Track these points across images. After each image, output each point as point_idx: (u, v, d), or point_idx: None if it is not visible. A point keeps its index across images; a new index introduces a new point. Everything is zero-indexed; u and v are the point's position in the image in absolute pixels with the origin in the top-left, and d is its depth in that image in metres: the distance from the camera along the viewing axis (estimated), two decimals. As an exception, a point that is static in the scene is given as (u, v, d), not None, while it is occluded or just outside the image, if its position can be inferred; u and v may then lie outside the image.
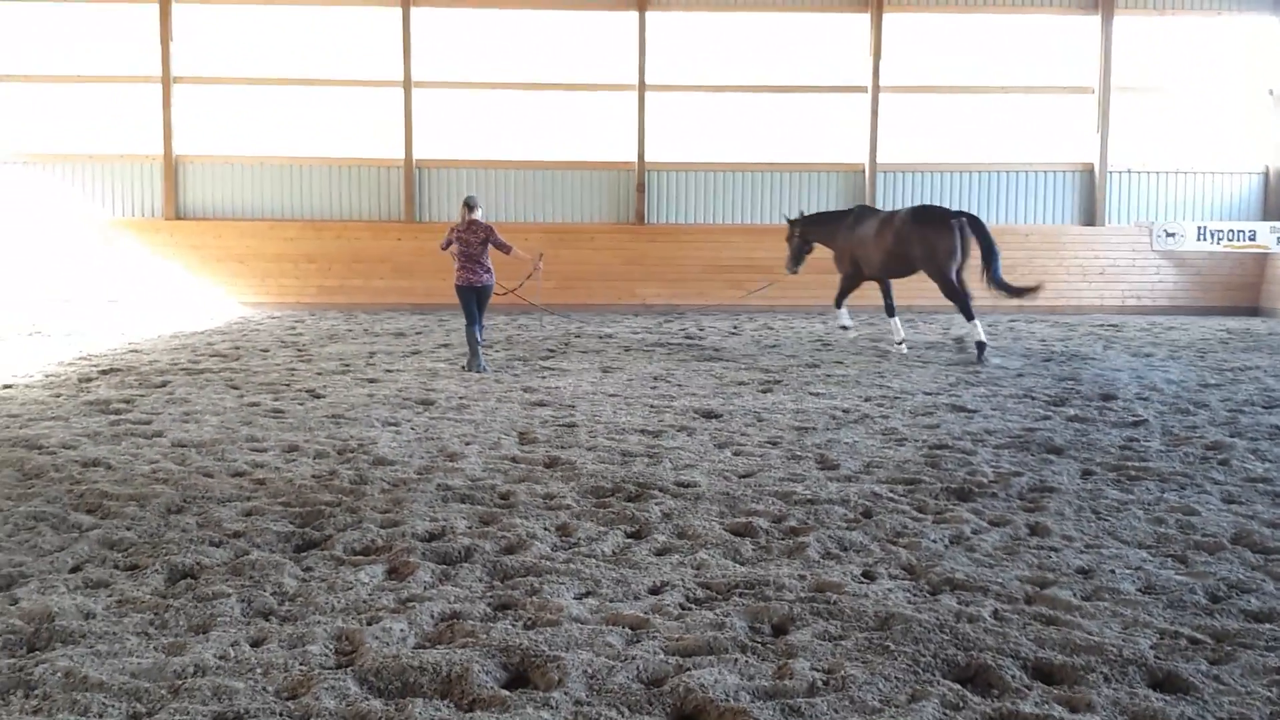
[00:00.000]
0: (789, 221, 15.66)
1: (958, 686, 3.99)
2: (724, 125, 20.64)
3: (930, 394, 10.47)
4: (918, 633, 4.40)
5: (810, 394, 10.46)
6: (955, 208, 20.61)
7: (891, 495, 6.62)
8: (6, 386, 10.52)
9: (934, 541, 5.75)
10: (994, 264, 12.85)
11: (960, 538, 5.83)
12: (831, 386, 10.94)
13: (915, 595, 4.95)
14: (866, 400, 10.11)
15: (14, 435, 8.09)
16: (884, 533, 5.89)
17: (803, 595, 4.86)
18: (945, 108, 20.65)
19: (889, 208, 20.46)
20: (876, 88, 20.18)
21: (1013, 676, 4.07)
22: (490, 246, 11.83)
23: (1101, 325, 17.54)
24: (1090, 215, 20.54)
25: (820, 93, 20.50)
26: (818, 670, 4.09)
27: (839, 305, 14.86)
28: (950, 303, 13.47)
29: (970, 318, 13.02)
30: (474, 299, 11.83)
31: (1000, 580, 5.11)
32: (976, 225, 13.08)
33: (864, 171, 20.39)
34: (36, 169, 19.81)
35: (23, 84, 19.82)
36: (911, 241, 13.27)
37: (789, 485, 6.83)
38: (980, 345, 12.99)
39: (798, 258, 15.57)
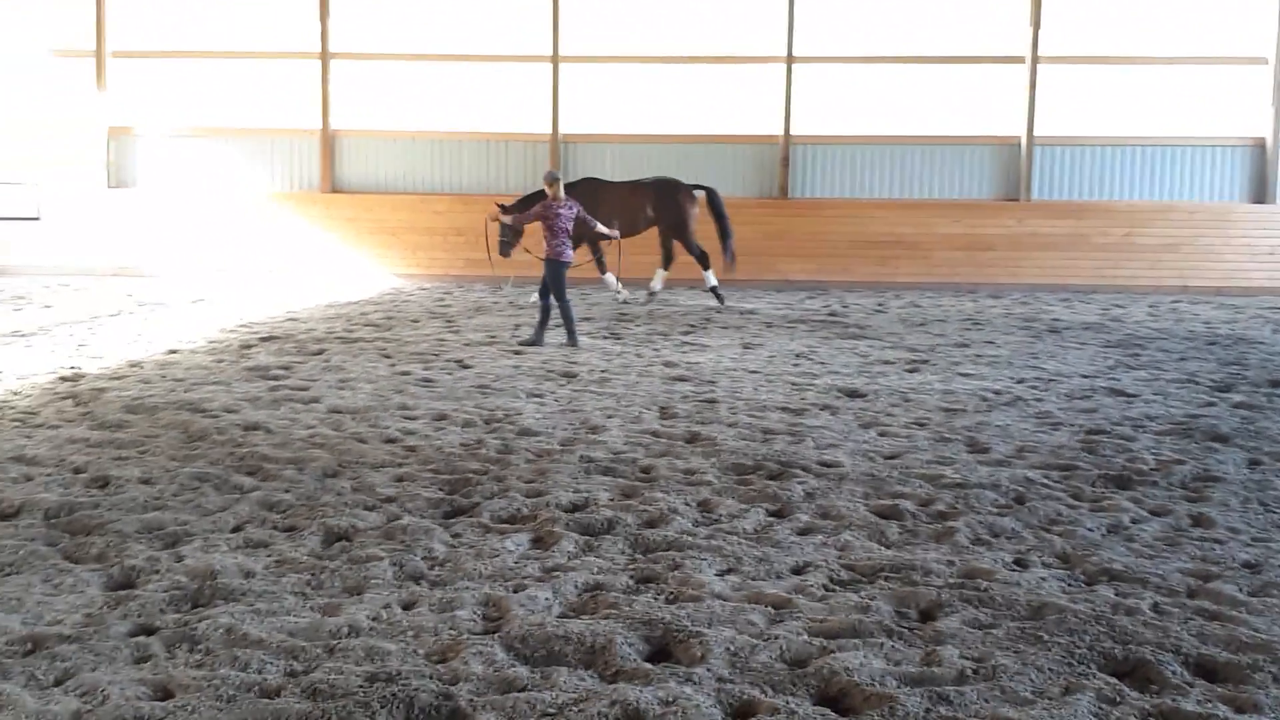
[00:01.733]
0: (501, 207, 15.07)
1: (1114, 680, 3.84)
2: (872, 97, 20.22)
3: (1087, 377, 10.10)
4: (1072, 624, 4.25)
5: (959, 374, 10.20)
6: (1116, 183, 19.89)
7: (1045, 481, 6.41)
8: (172, 351, 11.03)
9: (1090, 530, 5.54)
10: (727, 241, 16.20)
11: (1118, 527, 5.61)
12: (982, 367, 10.65)
13: (1070, 585, 4.79)
14: (1019, 382, 9.81)
15: (179, 399, 8.47)
16: (1037, 520, 5.71)
17: (951, 581, 4.75)
18: (1107, 79, 19.82)
19: (1040, 182, 19.85)
20: (1035, 58, 19.50)
21: (1173, 673, 3.90)
22: (573, 224, 11.60)
23: (1271, 308, 16.64)
24: (1260, 192, 19.49)
25: (973, 64, 19.90)
26: (967, 658, 3.99)
27: (604, 271, 16.50)
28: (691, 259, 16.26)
29: (707, 267, 16.09)
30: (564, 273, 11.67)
31: (1160, 572, 4.90)
32: (715, 199, 16.18)
33: (1020, 145, 19.75)
34: (201, 142, 20.65)
35: (188, 59, 20.65)
36: (662, 207, 16.11)
37: (937, 468, 6.67)
38: (716, 290, 16.04)
39: (511, 243, 15.99)
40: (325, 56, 20.26)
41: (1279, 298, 18.30)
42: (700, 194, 16.43)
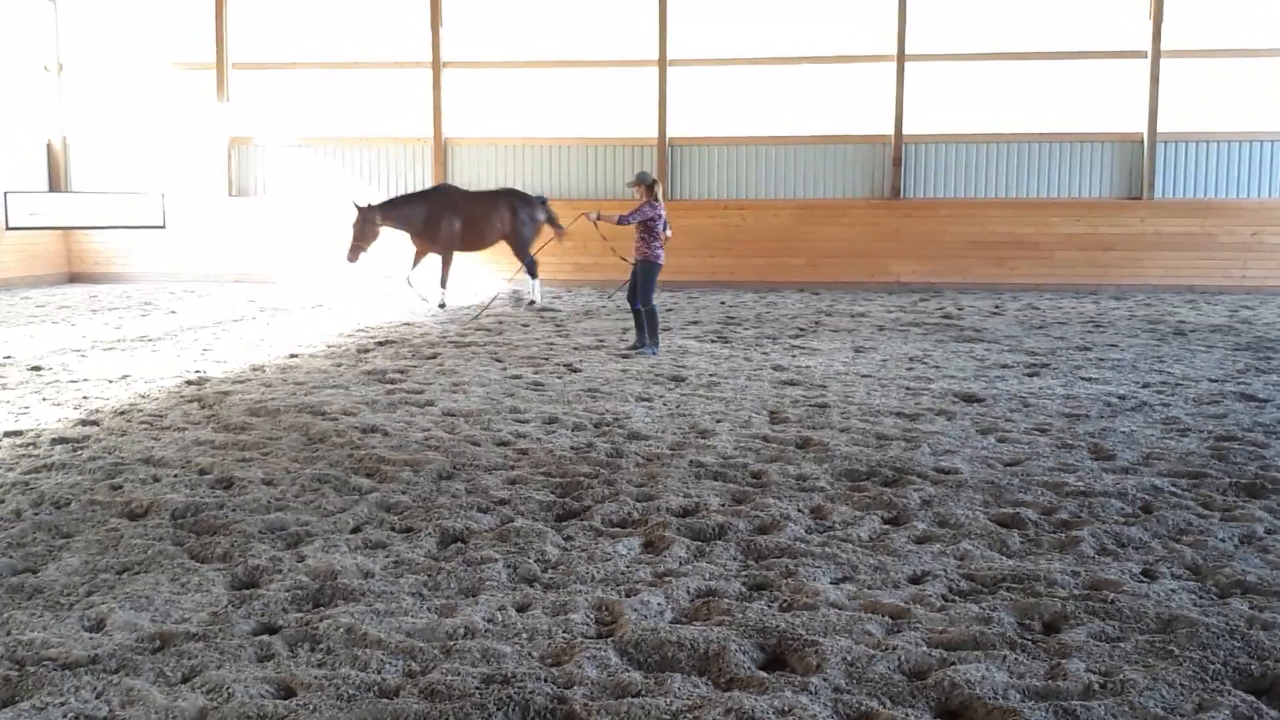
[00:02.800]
0: (359, 207, 15.37)
1: (1251, 698, 3.66)
2: (987, 95, 19.82)
3: (1215, 381, 9.71)
4: (1205, 638, 4.07)
5: (1081, 379, 9.90)
6: (1242, 181, 19.16)
7: (1174, 489, 6.17)
8: (292, 356, 11.32)
9: (1222, 541, 5.31)
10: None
11: (1252, 537, 5.36)
12: (1105, 371, 10.32)
13: (1201, 597, 4.59)
14: (1144, 387, 9.48)
15: (300, 402, 8.68)
16: (1166, 529, 5.49)
17: (1076, 592, 4.59)
18: (1232, 73, 19.09)
19: (1163, 180, 19.20)
20: (1157, 52, 18.88)
21: (1317, 693, 3.71)
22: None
23: None
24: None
25: (1093, 59, 19.36)
26: (1094, 672, 3.84)
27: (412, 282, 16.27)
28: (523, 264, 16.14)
29: (535, 276, 16.54)
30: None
31: (1299, 586, 4.67)
32: (547, 209, 16.66)
33: (1142, 141, 19.15)
34: (318, 151, 21.20)
35: (305, 70, 21.21)
36: (510, 217, 16.30)
37: (1060, 475, 6.47)
38: (533, 302, 16.27)
39: (363, 246, 15.76)
40: (437, 65, 20.63)
41: None
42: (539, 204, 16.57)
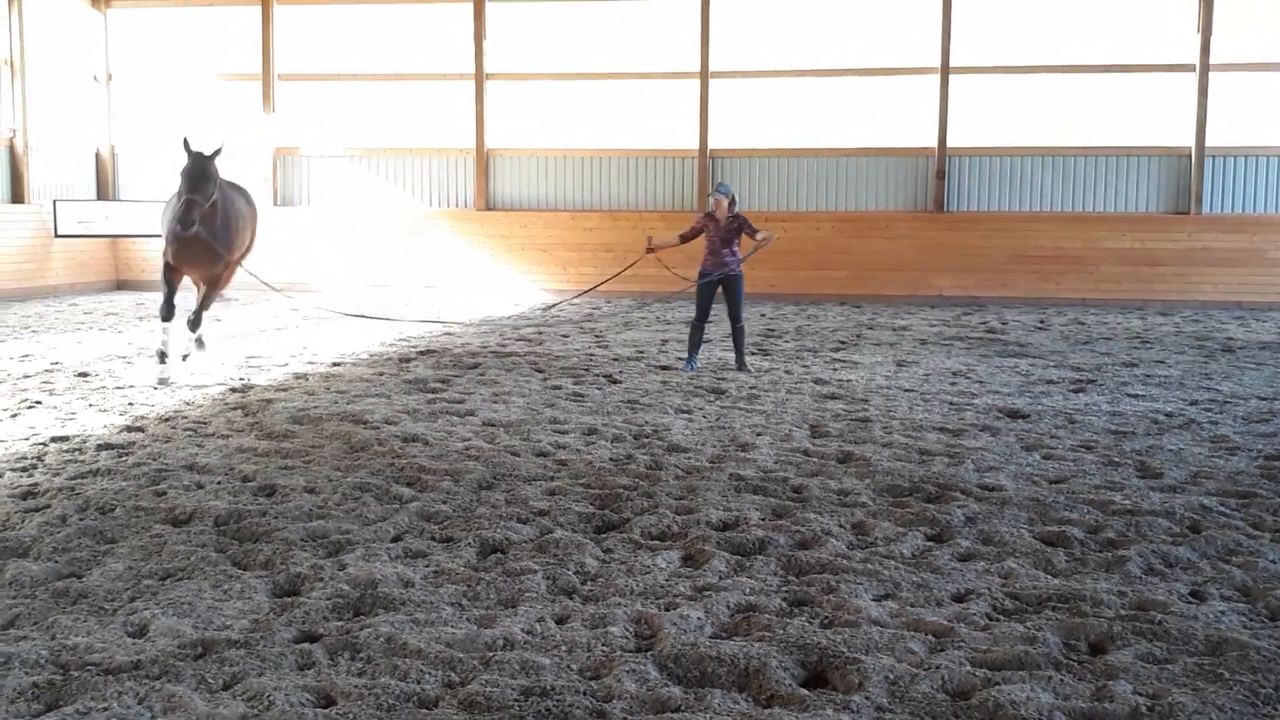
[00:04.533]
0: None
1: (1305, 725, 3.59)
2: (1032, 108, 19.65)
3: (1265, 399, 9.55)
4: (1255, 661, 3.99)
5: (1128, 395, 9.77)
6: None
7: (1223, 509, 6.06)
8: (335, 365, 11.39)
9: (1273, 562, 5.21)
10: None
11: (1304, 559, 5.26)
12: (1152, 388, 10.18)
13: (1252, 620, 4.49)
14: (1192, 404, 9.34)
15: (342, 410, 8.73)
16: (1215, 550, 5.39)
17: (1123, 613, 4.51)
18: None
19: (1211, 195, 18.94)
20: (1205, 65, 18.65)
21: (1373, 720, 3.62)
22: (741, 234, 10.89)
23: None
24: None
25: (1140, 72, 19.15)
26: (1141, 694, 3.78)
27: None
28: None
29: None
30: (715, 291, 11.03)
31: (1352, 610, 4.57)
32: None
33: (1189, 155, 18.91)
34: (362, 161, 21.38)
35: (350, 82, 21.40)
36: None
37: (1106, 494, 6.38)
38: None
39: None
40: (480, 77, 20.74)
41: None
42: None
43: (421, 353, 12.24)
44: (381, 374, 10.73)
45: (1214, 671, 3.94)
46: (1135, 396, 9.71)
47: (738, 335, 11.13)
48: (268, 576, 4.90)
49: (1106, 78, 19.29)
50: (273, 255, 21.11)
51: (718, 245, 10.84)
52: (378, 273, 20.76)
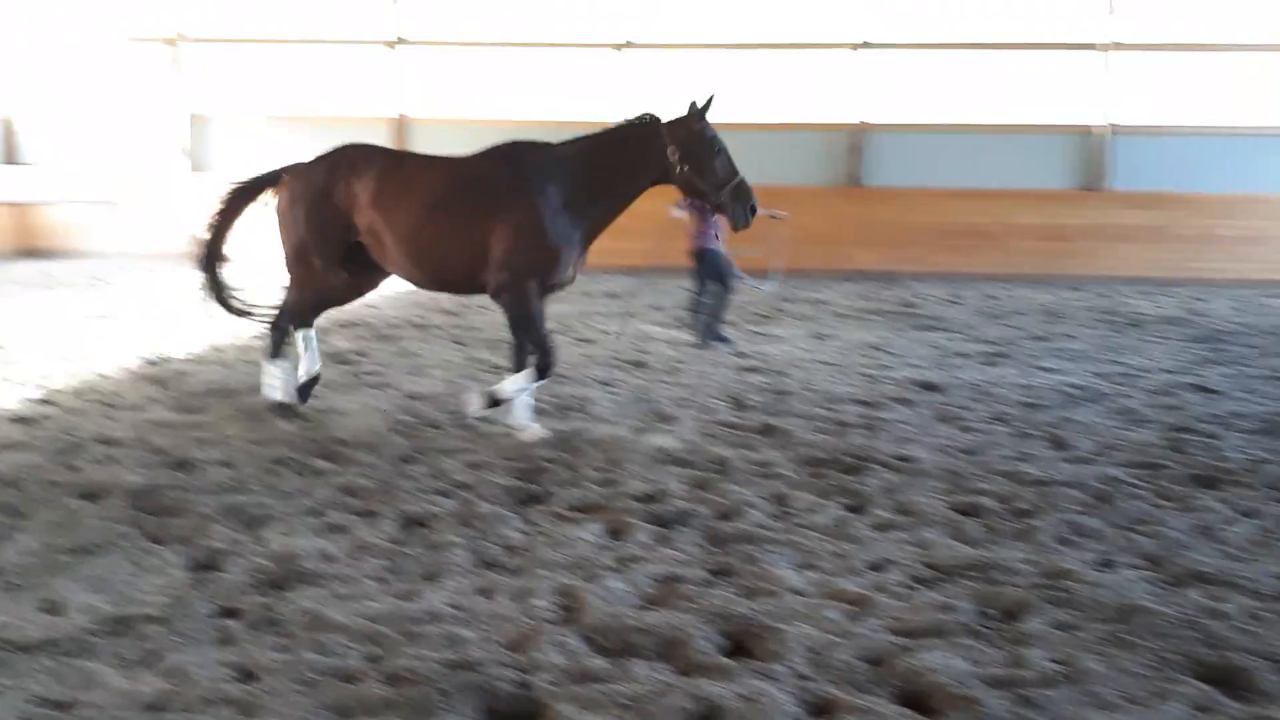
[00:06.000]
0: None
1: (1207, 687, 3.72)
2: (946, 84, 19.95)
3: (1171, 372, 9.85)
4: (1161, 627, 4.14)
5: (1039, 368, 10.00)
6: (1198, 174, 19.41)
7: (1130, 480, 6.24)
8: (255, 337, 11.16)
9: (1178, 531, 5.39)
10: None
11: (1207, 528, 5.45)
12: (1062, 361, 10.44)
13: (1158, 587, 4.65)
14: (1101, 377, 9.59)
15: (259, 383, 8.57)
16: (1123, 519, 5.56)
17: (1035, 581, 4.64)
18: (1188, 67, 19.35)
19: (1120, 173, 19.39)
20: (1114, 44, 19.06)
21: (1270, 681, 3.77)
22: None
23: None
24: None
25: (1050, 49, 19.54)
26: (1052, 661, 3.90)
27: None
28: None
29: None
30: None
31: (1252, 575, 4.74)
32: None
33: (1099, 134, 19.37)
34: (279, 129, 20.92)
35: (265, 45, 20.93)
36: None
37: (1018, 465, 6.54)
38: None
39: None
40: (396, 43, 20.42)
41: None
42: None
43: (341, 325, 12.06)
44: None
45: (1122, 637, 4.07)
46: (1046, 370, 9.95)
47: (701, 308, 11.22)
48: (185, 551, 4.82)
49: (1020, 54, 19.62)
50: (186, 223, 20.66)
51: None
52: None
